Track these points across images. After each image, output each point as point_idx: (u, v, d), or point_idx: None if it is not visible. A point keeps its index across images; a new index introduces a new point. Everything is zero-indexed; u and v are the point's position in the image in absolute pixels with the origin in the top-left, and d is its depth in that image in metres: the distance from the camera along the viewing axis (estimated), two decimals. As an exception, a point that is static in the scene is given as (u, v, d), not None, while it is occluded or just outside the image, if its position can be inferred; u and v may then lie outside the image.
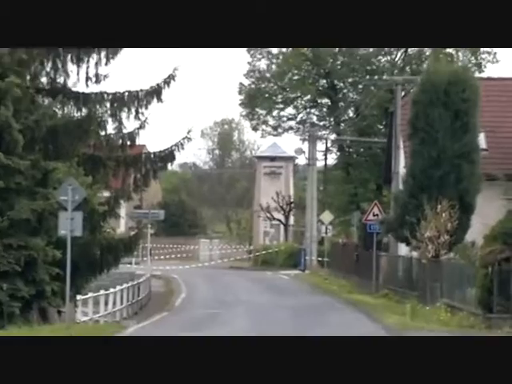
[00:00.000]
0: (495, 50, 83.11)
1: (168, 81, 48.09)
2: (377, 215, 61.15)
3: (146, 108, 47.49)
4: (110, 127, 47.58)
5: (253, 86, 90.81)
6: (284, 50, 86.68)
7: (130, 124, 47.89)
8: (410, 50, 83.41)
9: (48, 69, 46.82)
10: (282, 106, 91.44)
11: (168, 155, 50.73)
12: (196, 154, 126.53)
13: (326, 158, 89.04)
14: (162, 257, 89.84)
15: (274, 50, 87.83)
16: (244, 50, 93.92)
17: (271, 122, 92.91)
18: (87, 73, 47.20)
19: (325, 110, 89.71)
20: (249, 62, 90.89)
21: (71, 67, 47.06)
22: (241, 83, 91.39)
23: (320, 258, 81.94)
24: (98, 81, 47.41)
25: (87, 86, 47.31)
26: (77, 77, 47.34)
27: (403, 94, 63.46)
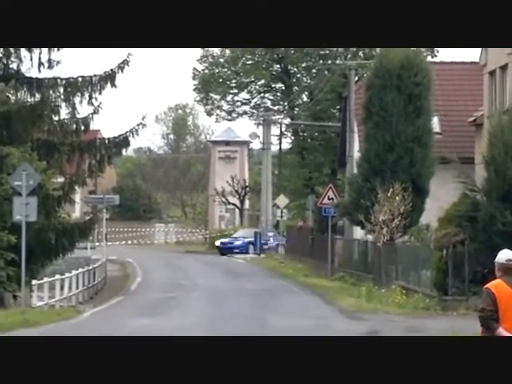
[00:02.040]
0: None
1: (122, 66, 47.99)
2: (332, 199, 61.28)
3: (100, 93, 47.54)
4: (64, 112, 47.77)
5: (206, 71, 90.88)
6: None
7: (83, 109, 48.01)
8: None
9: (0, 54, 46.61)
10: (236, 90, 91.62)
11: (123, 141, 50.73)
12: (150, 139, 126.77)
13: (280, 143, 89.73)
14: (117, 241, 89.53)
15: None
16: None
17: (225, 106, 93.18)
18: (40, 58, 47.16)
19: (279, 94, 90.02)
20: (200, 53, 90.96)
21: (24, 53, 46.97)
22: (194, 68, 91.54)
23: (276, 242, 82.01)
24: (50, 66, 47.36)
25: (40, 71, 47.19)
26: (30, 62, 47.22)
27: (357, 78, 63.81)
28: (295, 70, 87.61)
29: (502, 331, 13.90)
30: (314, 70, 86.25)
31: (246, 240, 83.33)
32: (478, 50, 61.07)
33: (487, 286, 14.36)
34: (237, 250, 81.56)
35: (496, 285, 14.32)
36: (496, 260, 14.87)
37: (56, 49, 46.15)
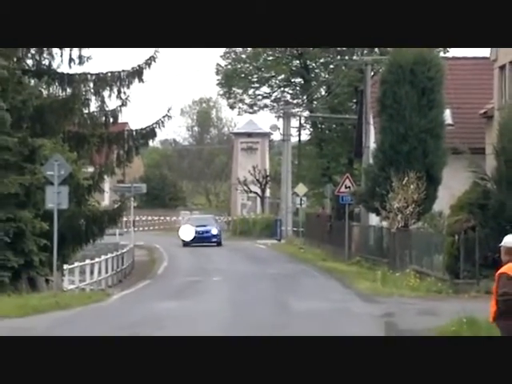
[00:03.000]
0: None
1: (149, 62, 48.01)
2: (349, 187, 61.24)
3: (128, 87, 47.61)
4: (94, 106, 47.91)
5: (229, 66, 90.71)
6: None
7: (112, 103, 48.03)
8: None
9: (33, 51, 46.71)
10: (257, 85, 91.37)
11: (149, 132, 50.84)
12: (176, 131, 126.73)
13: (299, 134, 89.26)
14: (144, 228, 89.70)
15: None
16: None
17: (247, 100, 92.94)
18: (70, 55, 47.15)
19: (298, 88, 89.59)
20: (223, 50, 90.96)
21: (55, 49, 46.95)
22: (218, 64, 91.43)
23: (295, 228, 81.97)
24: (81, 62, 47.35)
25: (70, 67, 47.25)
26: (61, 58, 47.23)
27: (372, 73, 63.48)
28: (314, 65, 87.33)
29: None
30: (331, 66, 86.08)
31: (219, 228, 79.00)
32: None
33: (503, 270, 14.36)
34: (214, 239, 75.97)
35: (511, 268, 14.35)
36: (502, 244, 14.87)
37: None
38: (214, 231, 64.48)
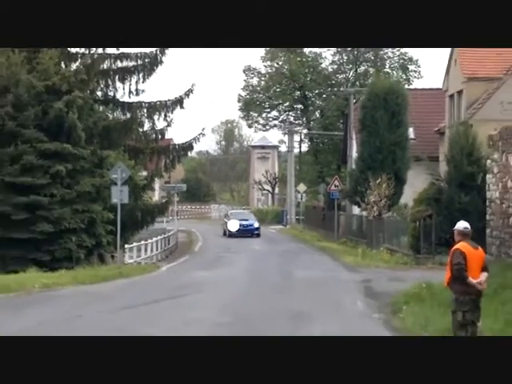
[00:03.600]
0: (420, 68, 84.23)
1: (188, 93, 48.16)
2: (337, 186, 61.73)
3: (172, 112, 48.18)
4: (147, 126, 48.34)
5: (247, 96, 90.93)
6: (269, 70, 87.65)
7: (160, 124, 48.64)
8: (359, 69, 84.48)
9: (102, 85, 47.02)
10: (268, 110, 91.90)
11: (188, 146, 51.27)
12: (208, 144, 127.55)
13: (300, 147, 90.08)
14: (184, 217, 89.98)
15: (263, 70, 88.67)
16: (241, 69, 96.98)
17: (261, 121, 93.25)
18: (130, 88, 47.37)
19: (299, 112, 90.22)
20: (244, 80, 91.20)
21: (118, 84, 47.22)
22: (239, 94, 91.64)
23: (297, 217, 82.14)
24: (137, 94, 47.62)
25: (129, 97, 47.57)
26: (123, 91, 47.61)
27: (354, 101, 63.62)
28: (310, 95, 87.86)
29: (471, 279, 14.00)
30: (324, 95, 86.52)
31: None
32: (442, 78, 61.51)
33: (457, 247, 14.33)
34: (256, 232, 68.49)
35: (464, 246, 14.32)
36: (455, 228, 14.83)
37: (141, 81, 46.63)
38: (256, 225, 61.02)
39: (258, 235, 59.77)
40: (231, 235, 57.61)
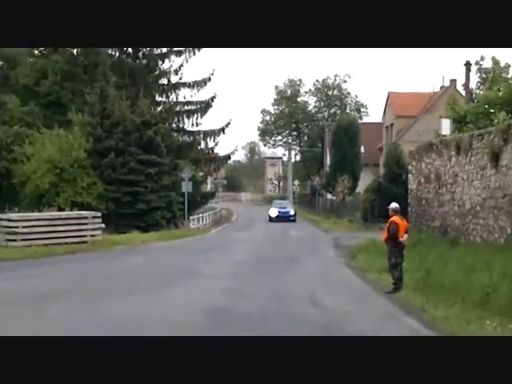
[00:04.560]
0: (368, 110, 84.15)
1: (227, 125, 48.67)
2: (317, 181, 61.64)
3: (218, 136, 49.19)
4: (202, 145, 48.44)
5: (263, 127, 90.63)
6: (276, 111, 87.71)
7: (210, 143, 49.15)
8: (330, 111, 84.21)
9: (176, 120, 47.20)
10: (276, 135, 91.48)
11: (227, 157, 51.57)
12: (239, 155, 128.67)
13: (295, 158, 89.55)
14: (225, 200, 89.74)
15: (272, 111, 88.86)
16: (259, 109, 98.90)
17: (271, 142, 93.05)
18: (192, 122, 47.60)
19: (294, 137, 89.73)
20: (261, 117, 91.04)
21: (186, 120, 47.34)
22: (258, 126, 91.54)
23: (293, 200, 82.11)
24: (197, 125, 48.07)
25: (192, 127, 47.77)
26: (188, 124, 47.85)
27: (328, 129, 63.64)
28: (301, 126, 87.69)
29: (400, 238, 14.20)
30: (309, 127, 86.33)
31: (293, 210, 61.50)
32: (381, 116, 61.60)
33: (393, 219, 14.54)
34: (292, 218, 58.08)
35: (396, 218, 14.47)
36: (390, 207, 14.95)
37: (199, 117, 46.96)
38: (292, 212, 51.46)
39: (294, 221, 49.97)
40: (271, 220, 49.90)
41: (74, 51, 47.05)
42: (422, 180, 26.05)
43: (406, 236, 14.53)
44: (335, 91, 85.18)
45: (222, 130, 48.01)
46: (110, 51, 45.90)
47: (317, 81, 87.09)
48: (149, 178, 37.02)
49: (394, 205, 14.79)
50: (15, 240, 23.64)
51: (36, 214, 26.82)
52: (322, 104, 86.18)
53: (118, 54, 46.21)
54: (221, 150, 53.00)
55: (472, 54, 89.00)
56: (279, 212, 50.94)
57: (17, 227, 24.04)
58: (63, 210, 31.90)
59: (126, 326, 10.48)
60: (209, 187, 58.12)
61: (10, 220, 24.73)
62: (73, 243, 25.12)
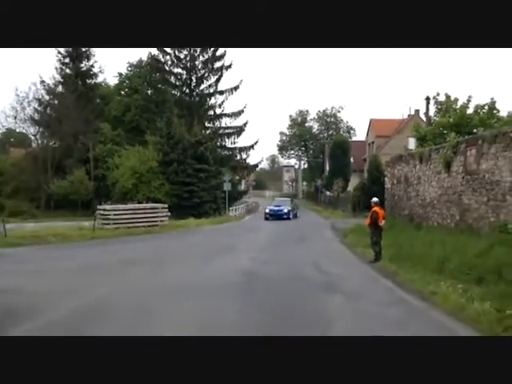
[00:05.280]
0: (355, 131, 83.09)
1: (255, 143, 48.14)
2: (320, 183, 60.93)
3: (249, 151, 47.71)
4: (238, 157, 47.49)
5: (281, 144, 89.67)
6: (291, 132, 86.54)
7: (244, 156, 47.91)
8: (328, 132, 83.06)
9: (220, 140, 46.78)
10: (290, 150, 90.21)
11: (255, 166, 50.91)
12: (264, 164, 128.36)
13: (303, 166, 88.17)
14: (254, 196, 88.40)
15: (287, 133, 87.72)
16: (278, 132, 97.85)
17: (287, 155, 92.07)
18: (231, 141, 47.14)
19: (303, 151, 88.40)
20: (279, 137, 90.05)
21: (226, 139, 46.80)
22: (277, 144, 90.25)
23: (302, 196, 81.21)
24: (234, 143, 47.42)
25: (231, 145, 47.27)
26: (228, 141, 47.38)
27: (327, 146, 62.90)
28: (308, 143, 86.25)
29: (380, 224, 14.02)
30: (313, 144, 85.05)
31: (289, 208, 42.24)
32: (365, 135, 60.94)
33: (374, 209, 14.32)
34: (285, 216, 41.80)
35: (377, 208, 14.26)
36: (372, 200, 14.76)
37: (236, 137, 46.45)
38: (286, 210, 38.67)
39: (288, 219, 36.59)
40: (266, 219, 36.99)
41: (149, 91, 47.44)
42: (395, 181, 25.74)
43: (383, 221, 14.37)
44: (332, 118, 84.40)
45: (252, 146, 47.74)
46: (173, 91, 46.07)
47: (319, 111, 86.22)
48: (200, 181, 37.16)
49: (375, 199, 14.63)
50: (108, 224, 23.91)
51: (123, 206, 27.06)
52: (323, 127, 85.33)
53: (179, 93, 46.36)
54: (251, 161, 52.70)
55: (430, 90, 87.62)
56: (270, 210, 37.70)
57: (109, 215, 24.33)
58: (141, 202, 32.14)
59: (186, 282, 10.58)
60: (242, 187, 57.96)
61: (105, 210, 25.03)
62: (148, 226, 25.32)
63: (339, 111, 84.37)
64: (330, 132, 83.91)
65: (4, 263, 13.74)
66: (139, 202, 33.09)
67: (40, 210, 41.04)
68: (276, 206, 39.02)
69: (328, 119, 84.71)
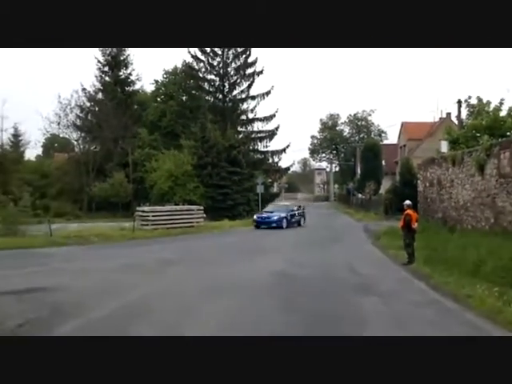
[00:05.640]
0: (387, 134, 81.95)
1: (288, 146, 47.90)
2: (352, 185, 60.41)
3: (281, 154, 46.75)
4: (270, 160, 46.87)
5: (312, 147, 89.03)
6: (321, 136, 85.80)
7: (276, 159, 47.33)
8: (359, 135, 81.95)
9: (252, 143, 46.55)
10: (321, 153, 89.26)
11: (287, 169, 50.72)
12: (296, 167, 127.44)
13: (334, 169, 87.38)
14: (286, 198, 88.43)
15: (318, 136, 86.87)
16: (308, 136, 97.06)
17: (318, 158, 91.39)
18: (263, 145, 46.69)
19: (334, 154, 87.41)
20: (311, 141, 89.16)
21: (259, 143, 46.47)
22: (308, 147, 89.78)
23: (334, 198, 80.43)
24: (266, 147, 46.99)
25: (263, 148, 46.88)
26: (260, 145, 46.94)
27: (359, 149, 62.24)
28: (338, 147, 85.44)
29: (413, 226, 13.88)
30: (344, 147, 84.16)
31: (281, 215, 29.09)
32: (397, 138, 60.17)
33: (407, 212, 14.19)
34: (274, 224, 28.14)
35: (410, 211, 14.12)
36: (404, 203, 14.61)
37: (268, 141, 46.20)
38: (275, 217, 28.21)
39: (280, 227, 27.61)
40: (256, 226, 28.34)
41: (183, 98, 48.00)
42: (428, 184, 25.34)
43: (416, 224, 14.18)
44: (363, 122, 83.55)
45: (284, 150, 47.39)
46: (206, 97, 46.48)
47: (350, 115, 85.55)
48: (234, 183, 37.35)
49: (407, 202, 14.46)
50: (147, 225, 24.33)
51: (160, 207, 27.47)
52: (354, 131, 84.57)
53: (212, 99, 46.77)
54: (283, 164, 52.43)
55: (461, 93, 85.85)
56: (258, 217, 28.94)
57: (148, 216, 24.76)
58: (178, 204, 32.57)
59: (224, 282, 10.70)
60: (275, 189, 57.89)
61: (143, 211, 25.49)
62: (184, 227, 25.65)
63: (370, 114, 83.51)
64: (361, 135, 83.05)
65: (50, 262, 14.17)
66: (176, 204, 33.58)
67: (83, 211, 42.09)
68: (267, 212, 30.01)
69: (359, 123, 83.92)
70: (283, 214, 29.03)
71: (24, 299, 8.85)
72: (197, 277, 11.67)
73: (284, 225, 28.33)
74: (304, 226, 29.63)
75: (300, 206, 32.97)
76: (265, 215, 29.50)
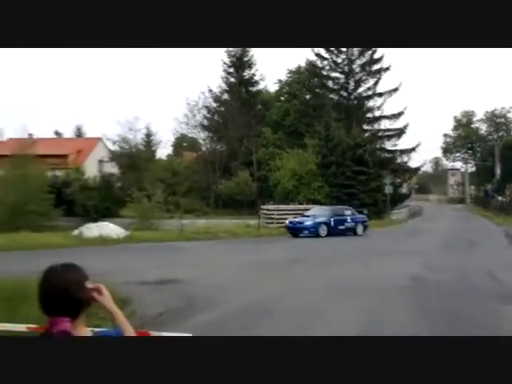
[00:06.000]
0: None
1: (416, 147, 45.57)
2: (490, 187, 55.86)
3: (410, 153, 44.65)
4: (399, 160, 44.54)
5: (445, 146, 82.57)
6: (455, 135, 79.52)
7: (405, 158, 44.77)
8: (499, 133, 74.23)
9: (379, 143, 44.71)
10: (456, 153, 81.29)
11: (417, 169, 48.48)
12: (427, 167, 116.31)
13: (471, 169, 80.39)
14: (417, 200, 70.00)
15: (452, 135, 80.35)
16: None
17: (451, 158, 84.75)
18: (391, 143, 44.97)
19: (470, 153, 79.89)
20: (443, 139, 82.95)
21: (386, 142, 44.78)
22: (441, 146, 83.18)
23: (469, 200, 74.07)
24: (395, 146, 45.12)
25: (391, 146, 44.98)
26: (388, 144, 44.87)
27: (497, 148, 56.91)
28: (475, 145, 78.43)
29: None
30: (480, 146, 76.56)
31: (317, 220, 23.03)
32: None
33: None
34: (306, 232, 22.53)
35: None
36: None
37: (396, 140, 44.22)
38: (308, 223, 22.69)
39: (312, 235, 22.31)
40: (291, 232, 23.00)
41: (307, 96, 48.21)
42: None
43: None
44: (502, 119, 76.81)
45: (413, 148, 45.21)
46: (330, 96, 46.15)
47: (486, 111, 79.12)
48: (360, 183, 36.67)
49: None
50: (272, 223, 24.97)
51: (284, 206, 27.97)
52: (492, 129, 78.00)
53: (336, 97, 46.38)
54: (413, 163, 49.37)
55: None
56: (290, 222, 23.47)
57: (273, 214, 25.41)
58: (302, 204, 32.86)
59: (351, 283, 10.59)
60: (404, 190, 55.38)
61: (268, 209, 26.23)
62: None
63: (509, 111, 76.57)
64: (500, 133, 76.46)
65: (183, 256, 15.16)
66: (300, 203, 33.86)
67: (210, 208, 44.33)
68: (304, 216, 24.26)
69: (497, 120, 77.34)
70: (319, 220, 23.17)
71: (161, 289, 9.57)
72: (323, 276, 11.70)
73: (322, 232, 22.87)
74: (365, 235, 24.28)
75: (362, 211, 27.79)
76: (298, 220, 23.49)
